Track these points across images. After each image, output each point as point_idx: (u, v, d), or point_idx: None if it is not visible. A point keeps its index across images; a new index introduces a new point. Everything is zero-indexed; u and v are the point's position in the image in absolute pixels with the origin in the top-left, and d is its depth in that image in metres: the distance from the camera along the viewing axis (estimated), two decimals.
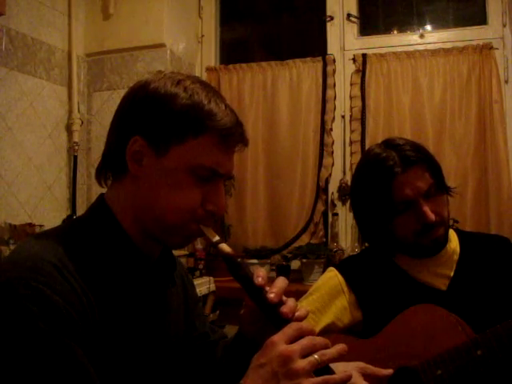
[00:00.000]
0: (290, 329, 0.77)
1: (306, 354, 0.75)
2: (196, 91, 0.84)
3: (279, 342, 0.75)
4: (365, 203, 1.31)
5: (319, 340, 0.78)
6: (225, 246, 0.86)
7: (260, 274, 0.84)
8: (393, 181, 1.21)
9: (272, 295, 0.82)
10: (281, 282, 0.86)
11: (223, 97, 0.89)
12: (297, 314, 0.82)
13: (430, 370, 1.08)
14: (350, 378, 0.76)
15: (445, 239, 1.25)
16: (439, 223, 1.22)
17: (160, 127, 0.83)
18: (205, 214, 0.85)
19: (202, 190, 0.84)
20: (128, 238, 0.86)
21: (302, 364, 0.73)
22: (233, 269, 0.85)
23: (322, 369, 0.75)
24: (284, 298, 0.84)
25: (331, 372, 0.77)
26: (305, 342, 0.76)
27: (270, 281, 0.86)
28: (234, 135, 0.85)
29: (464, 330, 1.09)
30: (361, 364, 1.09)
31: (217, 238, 0.86)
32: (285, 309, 0.81)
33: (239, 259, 0.86)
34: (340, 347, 0.78)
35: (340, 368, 0.82)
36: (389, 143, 1.28)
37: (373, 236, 1.34)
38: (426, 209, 1.20)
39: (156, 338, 0.89)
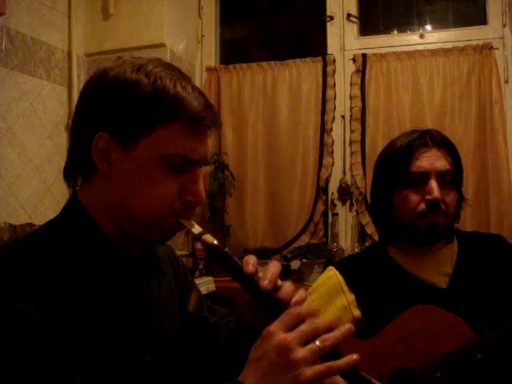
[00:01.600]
0: (287, 315, 0.72)
1: (306, 340, 0.70)
2: (159, 75, 0.78)
3: (276, 331, 0.70)
4: (384, 168, 1.33)
5: (321, 323, 0.72)
6: (209, 237, 0.81)
7: (250, 261, 0.79)
8: (417, 151, 1.26)
9: (265, 282, 0.76)
10: (273, 268, 0.80)
11: (190, 78, 0.82)
12: (294, 298, 0.77)
13: (429, 372, 1.08)
14: (356, 361, 0.70)
15: (442, 232, 1.25)
16: (443, 211, 1.23)
17: (124, 120, 0.77)
18: (183, 206, 0.80)
19: (177, 182, 0.79)
20: (105, 235, 0.81)
21: (301, 353, 0.68)
22: (220, 259, 0.80)
23: (329, 353, 0.70)
24: (279, 282, 0.79)
25: (338, 356, 0.70)
26: (304, 327, 0.70)
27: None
28: (204, 119, 0.79)
29: (464, 332, 1.09)
30: None
31: (199, 229, 0.81)
32: (280, 295, 0.76)
33: (226, 249, 0.81)
34: (346, 328, 0.72)
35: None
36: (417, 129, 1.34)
37: (376, 209, 1.35)
38: (435, 184, 1.22)
39: (145, 332, 0.85)
